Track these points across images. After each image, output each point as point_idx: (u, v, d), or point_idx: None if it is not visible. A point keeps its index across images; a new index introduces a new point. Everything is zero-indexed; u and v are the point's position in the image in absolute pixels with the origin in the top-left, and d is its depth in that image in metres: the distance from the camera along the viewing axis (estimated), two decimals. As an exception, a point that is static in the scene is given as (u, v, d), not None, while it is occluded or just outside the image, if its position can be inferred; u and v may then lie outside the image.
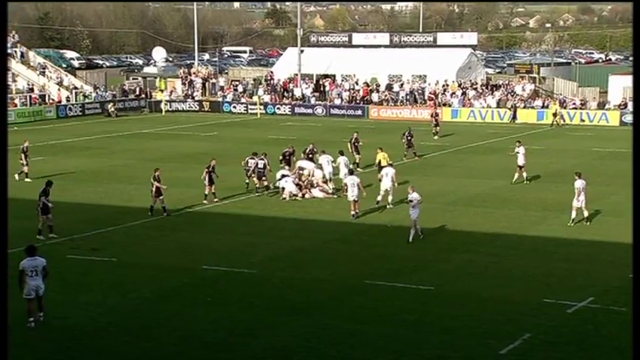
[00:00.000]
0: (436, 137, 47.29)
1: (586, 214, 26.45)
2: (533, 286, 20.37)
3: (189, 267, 22.00)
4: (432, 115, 50.22)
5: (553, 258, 22.90)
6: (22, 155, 34.52)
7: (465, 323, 17.80)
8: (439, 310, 18.66)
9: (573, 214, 26.35)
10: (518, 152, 33.26)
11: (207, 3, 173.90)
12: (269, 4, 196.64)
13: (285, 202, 30.01)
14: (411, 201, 24.39)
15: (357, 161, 36.13)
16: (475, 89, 61.64)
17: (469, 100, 60.06)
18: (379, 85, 63.93)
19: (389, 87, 63.64)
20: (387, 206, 28.55)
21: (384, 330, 17.44)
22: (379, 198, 28.63)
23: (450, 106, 59.50)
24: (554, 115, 54.44)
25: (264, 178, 31.16)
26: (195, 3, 77.02)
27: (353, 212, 27.26)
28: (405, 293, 19.81)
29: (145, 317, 18.29)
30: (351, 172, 29.07)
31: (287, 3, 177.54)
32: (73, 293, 19.82)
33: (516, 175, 33.11)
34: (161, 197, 27.53)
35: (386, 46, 68.22)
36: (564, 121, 55.19)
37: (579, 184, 26.34)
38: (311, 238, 24.92)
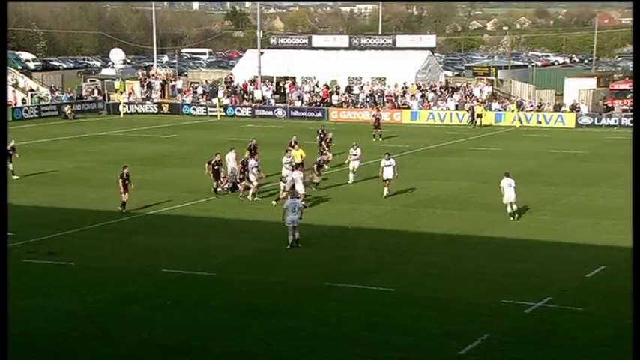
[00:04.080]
0: (380, 139, 47.57)
1: (515, 208, 27.50)
2: (492, 286, 20.59)
3: (148, 270, 21.82)
4: (373, 117, 50.37)
5: (511, 259, 23.18)
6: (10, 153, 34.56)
7: (425, 324, 17.93)
8: (400, 311, 18.76)
9: (509, 210, 27.41)
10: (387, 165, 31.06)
11: (165, 4, 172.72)
12: (228, 5, 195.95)
13: (245, 204, 29.92)
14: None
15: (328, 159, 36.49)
16: (434, 92, 62.13)
17: (428, 102, 60.52)
18: (339, 87, 64.10)
19: (349, 89, 63.85)
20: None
21: (345, 332, 17.49)
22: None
23: (409, 108, 59.89)
24: (479, 116, 55.43)
25: (222, 178, 31.07)
26: (153, 4, 76.40)
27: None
28: (366, 295, 19.89)
29: (105, 321, 18.10)
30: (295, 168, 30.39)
31: (247, 5, 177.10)
32: (31, 298, 19.53)
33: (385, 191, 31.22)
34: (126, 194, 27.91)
35: (346, 49, 68.44)
36: (522, 123, 55.92)
37: (505, 182, 27.50)
38: (272, 241, 24.86)
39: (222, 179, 31.04)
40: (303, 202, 25.09)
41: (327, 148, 38.54)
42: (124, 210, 28.11)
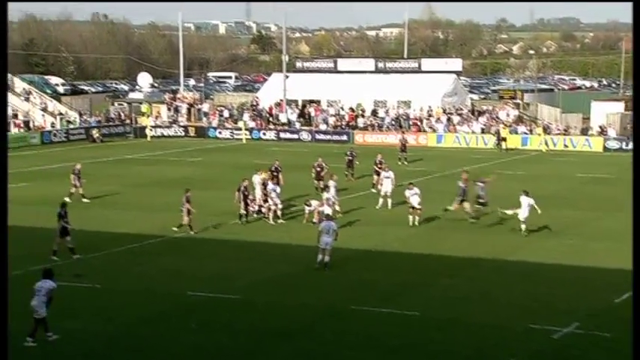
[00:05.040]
0: (406, 163, 47.58)
1: (523, 227, 28.37)
2: (518, 311, 20.42)
3: (174, 293, 21.91)
4: (399, 140, 50.44)
5: (537, 283, 22.99)
6: (73, 177, 34.95)
7: (450, 348, 17.81)
8: (424, 335, 18.66)
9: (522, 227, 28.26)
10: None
11: (192, 28, 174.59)
12: (254, 29, 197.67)
13: (269, 227, 30.01)
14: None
15: (318, 187, 35.97)
16: (460, 115, 62.06)
17: (454, 125, 60.44)
18: (364, 111, 64.26)
19: (374, 112, 63.98)
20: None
21: (368, 355, 17.41)
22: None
23: (434, 131, 59.85)
24: (503, 139, 55.34)
25: (247, 203, 30.98)
26: (180, 29, 77.26)
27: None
28: (390, 318, 19.81)
29: (130, 343, 18.19)
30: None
31: (273, 29, 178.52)
32: (57, 319, 19.65)
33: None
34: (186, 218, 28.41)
35: (371, 72, 68.65)
36: (548, 147, 55.61)
37: (524, 200, 28.41)
38: (297, 263, 24.89)
39: (250, 203, 31.02)
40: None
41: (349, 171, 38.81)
42: (177, 229, 28.35)
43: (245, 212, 30.47)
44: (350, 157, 41.37)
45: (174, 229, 28.59)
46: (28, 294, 18.21)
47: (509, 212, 29.14)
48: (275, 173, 33.93)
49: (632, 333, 13.13)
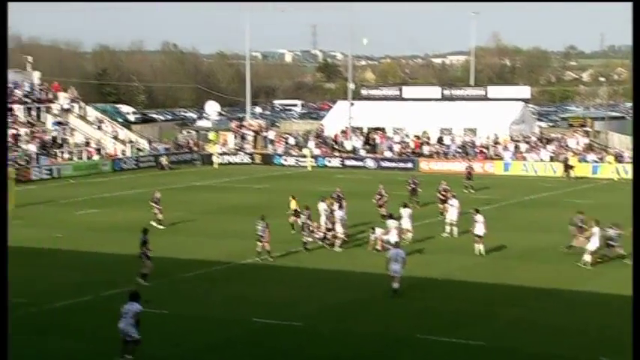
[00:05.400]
0: (472, 191, 47.22)
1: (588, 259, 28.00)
2: (587, 341, 20.06)
3: (239, 319, 22.18)
4: (466, 168, 50.19)
5: (608, 314, 22.54)
6: (153, 204, 36.08)
7: (516, 379, 17.57)
8: (490, 365, 18.46)
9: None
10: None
11: (259, 57, 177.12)
12: (320, 57, 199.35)
13: (335, 254, 30.16)
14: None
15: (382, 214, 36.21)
16: (528, 143, 61.37)
17: (521, 153, 59.80)
18: (430, 138, 64.13)
19: (440, 140, 63.78)
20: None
21: (433, 385, 17.31)
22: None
23: (501, 159, 59.31)
24: (571, 167, 54.63)
25: (304, 233, 31.09)
26: (247, 58, 78.59)
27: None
28: (456, 348, 19.67)
29: (195, 368, 18.46)
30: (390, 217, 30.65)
31: (338, 57, 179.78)
32: (125, 343, 20.10)
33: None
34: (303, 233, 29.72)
35: (437, 100, 68.52)
36: (620, 176, 54.47)
37: (596, 231, 27.92)
38: (362, 291, 24.94)
39: (315, 230, 31.22)
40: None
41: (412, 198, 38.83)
42: (259, 257, 28.71)
43: (309, 240, 30.67)
44: (413, 186, 41.42)
45: (257, 259, 28.79)
46: (102, 318, 18.63)
47: (579, 243, 28.19)
48: (338, 201, 34.15)
49: (632, 332, 13.11)
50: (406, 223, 31.86)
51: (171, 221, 36.82)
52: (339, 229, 30.94)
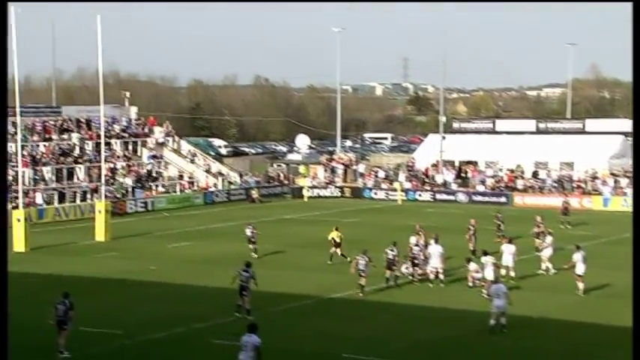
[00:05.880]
0: (569, 227, 46.00)
1: None
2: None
3: (329, 353, 22.14)
4: (562, 203, 48.99)
5: None
6: (248, 240, 37.10)
7: None
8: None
9: None
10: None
11: (350, 90, 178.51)
12: (411, 90, 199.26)
13: (425, 290, 29.84)
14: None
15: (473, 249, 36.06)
16: (628, 177, 59.50)
17: (621, 188, 58.03)
18: (524, 172, 63.02)
19: (535, 174, 62.58)
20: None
21: None
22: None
23: (600, 194, 57.68)
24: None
25: (394, 267, 30.92)
26: (338, 91, 79.25)
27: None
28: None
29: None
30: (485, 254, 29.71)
31: (429, 90, 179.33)
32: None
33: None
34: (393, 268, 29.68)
35: (531, 133, 67.39)
36: None
37: None
38: (454, 327, 24.56)
39: (405, 265, 31.01)
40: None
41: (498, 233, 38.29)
42: (361, 293, 28.71)
43: (394, 275, 30.36)
44: (499, 221, 41.08)
45: (360, 294, 28.73)
46: (194, 351, 18.79)
47: None
48: (432, 236, 33.89)
49: (632, 332, 12.51)
50: (507, 260, 31.28)
51: (261, 254, 37.19)
52: (439, 264, 30.56)
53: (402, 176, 65.70)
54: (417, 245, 31.79)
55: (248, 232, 37.48)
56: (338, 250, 35.38)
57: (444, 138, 67.10)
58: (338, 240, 35.47)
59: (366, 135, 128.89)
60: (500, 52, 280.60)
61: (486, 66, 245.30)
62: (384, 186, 65.04)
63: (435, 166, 66.52)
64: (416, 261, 31.16)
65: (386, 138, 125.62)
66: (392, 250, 30.57)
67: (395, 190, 63.03)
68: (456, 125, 72.70)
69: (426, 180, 65.18)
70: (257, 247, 36.92)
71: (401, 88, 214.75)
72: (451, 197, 61.62)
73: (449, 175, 64.82)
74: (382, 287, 30.24)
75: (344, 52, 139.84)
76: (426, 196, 62.40)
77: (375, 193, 64.16)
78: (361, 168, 70.35)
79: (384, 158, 78.27)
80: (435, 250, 30.88)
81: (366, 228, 47.50)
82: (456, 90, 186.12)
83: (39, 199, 51.89)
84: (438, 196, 62.07)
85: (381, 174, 67.09)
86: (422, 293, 29.56)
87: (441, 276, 30.61)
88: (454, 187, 63.50)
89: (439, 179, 64.60)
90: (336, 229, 35.90)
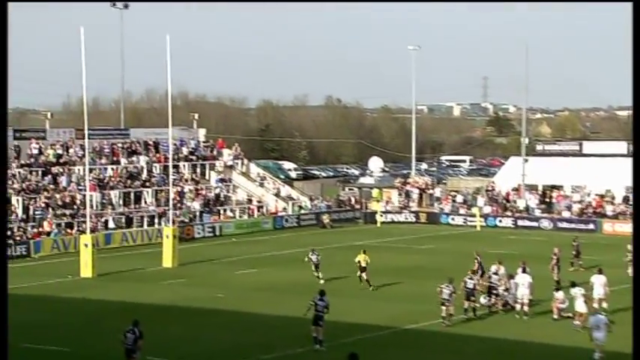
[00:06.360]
0: None
1: None
2: None
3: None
4: None
5: None
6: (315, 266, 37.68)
7: None
8: None
9: None
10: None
11: (425, 110, 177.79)
12: (491, 110, 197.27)
13: (507, 321, 29.26)
14: None
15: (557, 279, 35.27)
16: None
17: None
18: (614, 197, 61.45)
19: (626, 199, 60.95)
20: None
21: None
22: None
23: (697, 220, 55.73)
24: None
25: (472, 298, 30.34)
26: (413, 111, 78.91)
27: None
28: None
29: None
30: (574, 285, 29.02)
31: (510, 110, 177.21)
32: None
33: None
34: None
35: (622, 156, 65.72)
36: None
37: None
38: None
39: (485, 295, 30.50)
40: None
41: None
42: (445, 322, 28.54)
43: (472, 307, 29.86)
44: (576, 250, 40.86)
45: (443, 323, 28.50)
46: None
47: None
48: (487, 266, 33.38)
49: (632, 332, 11.81)
50: (599, 292, 30.45)
51: (331, 282, 37.05)
52: (527, 295, 29.93)
53: (480, 201, 64.81)
54: (495, 274, 31.20)
55: (314, 258, 37.52)
56: (364, 275, 35.16)
57: (526, 161, 66.04)
58: (364, 264, 35.41)
59: (443, 157, 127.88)
60: (587, 70, 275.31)
61: (572, 84, 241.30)
62: (461, 211, 64.25)
63: (516, 190, 65.43)
64: (494, 291, 30.56)
65: (464, 160, 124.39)
66: (471, 279, 30.08)
67: (473, 215, 62.19)
68: (539, 147, 71.48)
69: (507, 205, 64.15)
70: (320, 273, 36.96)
71: (480, 108, 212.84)
72: (534, 224, 60.45)
73: (532, 200, 63.66)
74: (462, 319, 29.73)
75: (420, 71, 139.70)
76: (507, 222, 61.37)
77: (453, 219, 63.41)
78: (437, 192, 69.66)
79: (462, 182, 77.48)
80: (522, 279, 30.28)
81: (442, 255, 46.89)
82: (540, 110, 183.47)
83: (110, 223, 52.99)
84: (520, 223, 60.96)
85: (459, 198, 66.31)
86: (504, 325, 28.93)
87: (526, 308, 29.94)
88: (537, 212, 62.30)
89: (521, 204, 63.49)
90: (364, 252, 35.91)
